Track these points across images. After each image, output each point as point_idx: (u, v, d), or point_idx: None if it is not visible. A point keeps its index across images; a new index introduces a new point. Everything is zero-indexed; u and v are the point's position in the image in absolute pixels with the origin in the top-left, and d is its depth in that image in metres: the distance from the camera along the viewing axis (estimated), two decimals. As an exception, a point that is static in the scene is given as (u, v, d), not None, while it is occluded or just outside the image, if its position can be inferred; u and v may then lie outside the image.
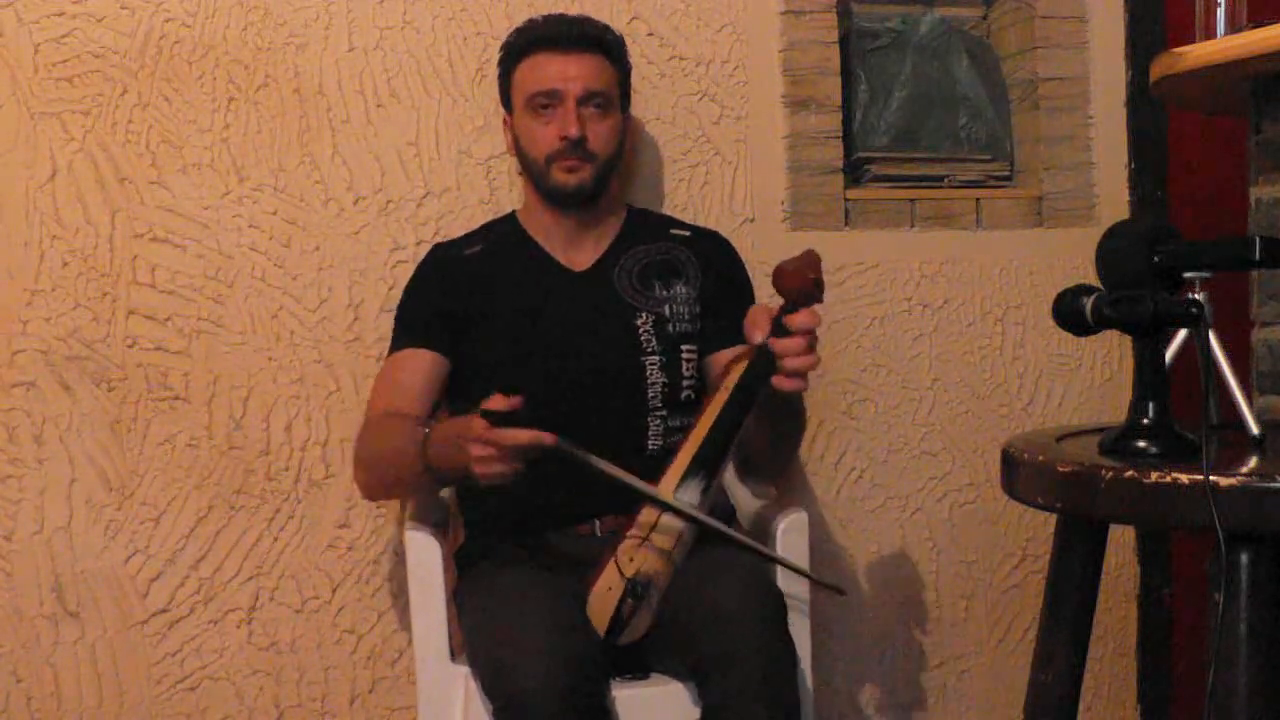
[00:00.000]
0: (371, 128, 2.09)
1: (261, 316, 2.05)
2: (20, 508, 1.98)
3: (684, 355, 1.89)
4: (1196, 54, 1.67)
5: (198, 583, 2.04)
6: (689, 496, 1.67)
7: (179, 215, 2.02)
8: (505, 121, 1.98)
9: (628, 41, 2.00)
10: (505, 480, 1.58)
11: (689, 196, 2.22)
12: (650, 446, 1.85)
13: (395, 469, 1.77)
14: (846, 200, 2.29)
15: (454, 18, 2.11)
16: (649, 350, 1.87)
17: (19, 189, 1.97)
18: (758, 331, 1.63)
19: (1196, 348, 1.40)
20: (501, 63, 1.96)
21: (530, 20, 1.95)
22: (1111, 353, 2.42)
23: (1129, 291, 1.40)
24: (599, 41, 1.91)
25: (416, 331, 1.89)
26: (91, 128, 1.99)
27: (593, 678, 1.58)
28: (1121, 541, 2.44)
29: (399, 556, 2.05)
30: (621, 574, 1.65)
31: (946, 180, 2.37)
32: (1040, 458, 1.42)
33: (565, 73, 1.86)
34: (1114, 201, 2.42)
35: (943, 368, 2.35)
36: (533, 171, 1.91)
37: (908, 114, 2.38)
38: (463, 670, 1.74)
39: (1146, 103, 2.39)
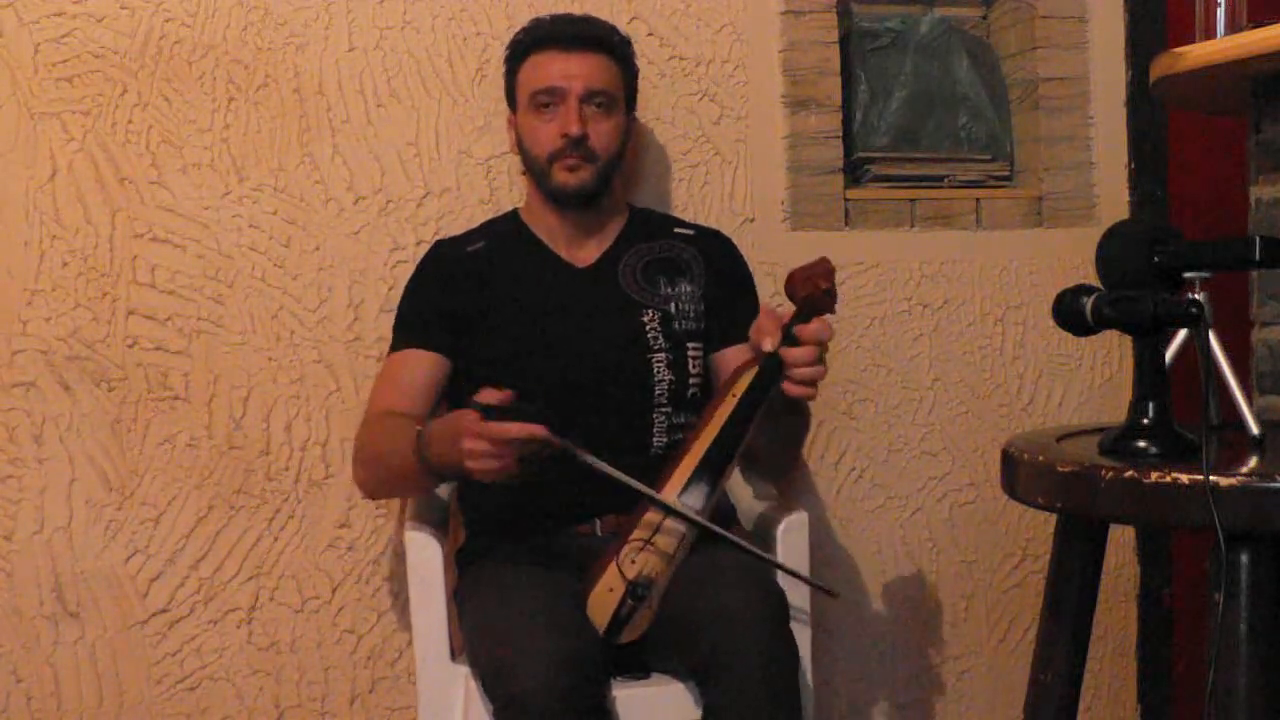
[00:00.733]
0: (371, 128, 2.09)
1: (261, 316, 2.05)
2: (20, 508, 1.98)
3: (690, 353, 1.89)
4: (1196, 54, 1.67)
5: (198, 583, 2.04)
6: (694, 501, 1.67)
7: (179, 215, 2.02)
8: (509, 120, 1.98)
9: (628, 41, 2.00)
10: (501, 477, 1.57)
11: (689, 196, 2.22)
12: (654, 444, 1.84)
13: (393, 467, 1.77)
14: (846, 200, 2.29)
15: (454, 18, 2.11)
16: (656, 347, 1.86)
17: (19, 189, 1.97)
18: (767, 339, 1.64)
19: (1196, 348, 1.40)
20: (507, 61, 1.96)
21: (536, 19, 1.95)
22: (1111, 353, 2.42)
23: (1129, 291, 1.41)
24: (604, 41, 1.91)
25: (417, 331, 1.89)
26: (91, 128, 1.99)
27: (593, 678, 1.58)
28: (1121, 541, 2.44)
29: (399, 556, 2.05)
30: (623, 576, 1.65)
31: (946, 180, 2.37)
32: (1040, 458, 1.42)
33: (568, 71, 1.86)
34: (1114, 201, 2.42)
35: (943, 368, 2.35)
36: (535, 170, 1.91)
37: (908, 114, 2.38)
38: (463, 670, 1.74)
39: (1146, 103, 2.39)
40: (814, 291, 1.62)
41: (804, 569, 1.83)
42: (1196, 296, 1.46)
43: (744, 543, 1.74)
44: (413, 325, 1.91)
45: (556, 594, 1.67)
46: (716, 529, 1.69)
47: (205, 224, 2.03)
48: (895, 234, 2.32)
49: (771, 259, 2.18)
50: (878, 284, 2.31)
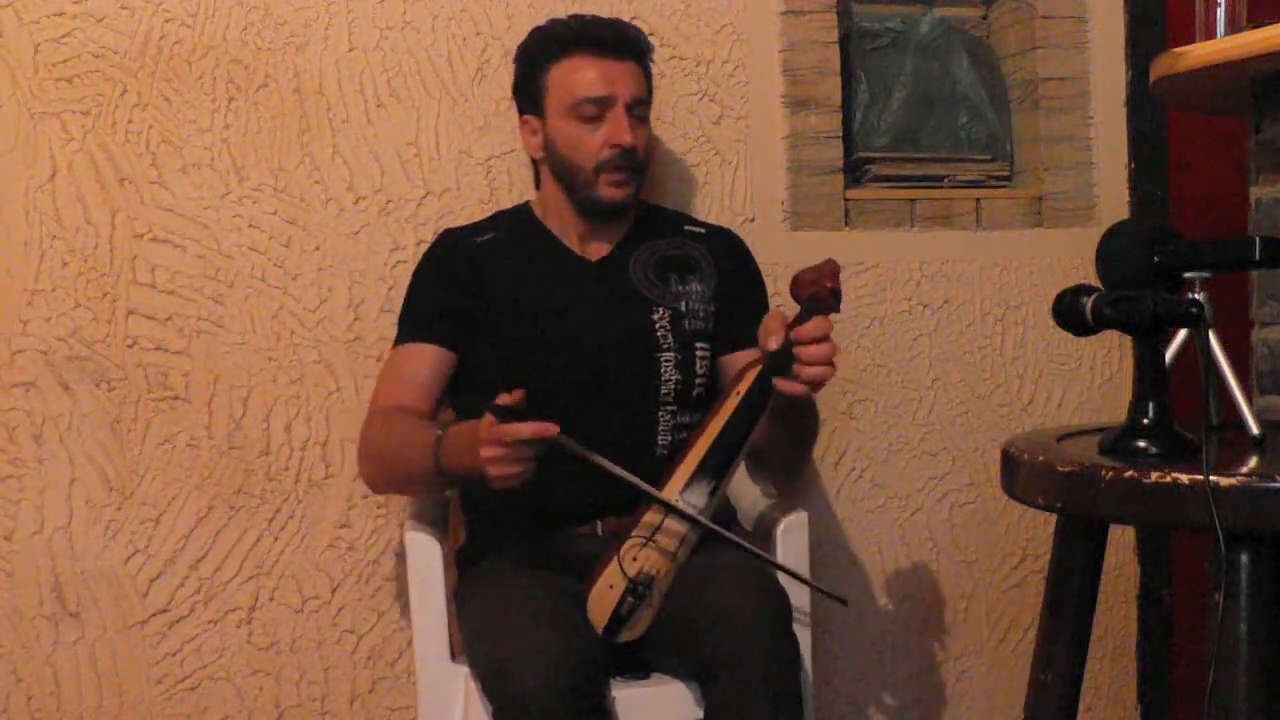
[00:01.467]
0: (371, 128, 2.09)
1: (261, 316, 2.05)
2: (20, 508, 1.98)
3: (698, 352, 1.88)
4: (1196, 54, 1.67)
5: (198, 583, 2.04)
6: (695, 499, 1.67)
7: (179, 215, 2.02)
8: (526, 122, 1.92)
9: (627, 41, 2.00)
10: (523, 480, 1.56)
11: (689, 196, 2.22)
12: (659, 442, 1.84)
13: (406, 469, 1.76)
14: (846, 200, 2.29)
15: (454, 18, 2.11)
16: (665, 346, 1.85)
17: (19, 189, 1.97)
18: (772, 339, 1.63)
19: (1196, 348, 1.40)
20: (528, 61, 1.91)
21: (555, 20, 1.91)
22: (1111, 353, 2.42)
23: (1129, 291, 1.41)
24: (642, 48, 1.89)
25: (423, 325, 1.87)
26: (91, 128, 1.99)
27: (593, 678, 1.58)
28: (1121, 541, 2.44)
29: (399, 556, 2.06)
30: (624, 573, 1.65)
31: (946, 180, 2.37)
32: (1040, 458, 1.42)
33: (614, 79, 1.83)
34: (1114, 201, 2.42)
35: (943, 368, 2.35)
36: (574, 178, 1.86)
37: (908, 114, 2.38)
38: (463, 670, 1.74)
39: (1146, 103, 2.39)
40: (819, 291, 1.61)
41: (804, 569, 1.83)
42: (1196, 296, 1.46)
43: (752, 546, 1.73)
44: (418, 319, 1.88)
45: (556, 594, 1.67)
46: (717, 529, 1.68)
47: (205, 224, 2.03)
48: (895, 234, 2.32)
49: (771, 259, 2.18)
50: (878, 284, 2.31)
